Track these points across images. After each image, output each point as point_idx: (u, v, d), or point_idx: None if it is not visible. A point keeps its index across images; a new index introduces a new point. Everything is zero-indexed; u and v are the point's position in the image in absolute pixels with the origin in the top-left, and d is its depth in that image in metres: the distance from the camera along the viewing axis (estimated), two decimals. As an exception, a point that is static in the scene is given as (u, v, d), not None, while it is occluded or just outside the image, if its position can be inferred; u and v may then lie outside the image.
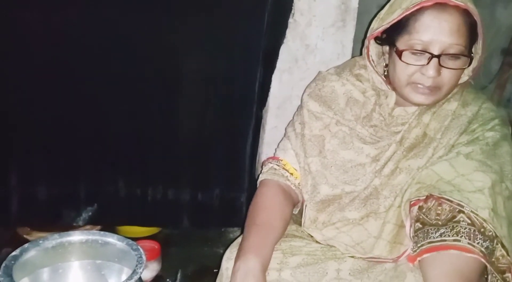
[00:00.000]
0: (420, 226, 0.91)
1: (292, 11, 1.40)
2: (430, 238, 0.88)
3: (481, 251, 0.84)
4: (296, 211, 1.14)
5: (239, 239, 1.04)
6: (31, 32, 1.34)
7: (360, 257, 0.98)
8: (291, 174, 1.10)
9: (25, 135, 1.44)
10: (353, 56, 1.43)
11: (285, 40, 1.43)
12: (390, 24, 0.98)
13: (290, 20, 1.41)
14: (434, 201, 0.91)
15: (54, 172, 1.48)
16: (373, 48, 1.07)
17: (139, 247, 0.90)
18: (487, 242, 0.85)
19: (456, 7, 0.91)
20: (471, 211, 0.86)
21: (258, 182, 1.14)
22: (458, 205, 0.87)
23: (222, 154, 1.50)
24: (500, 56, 2.73)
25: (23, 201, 1.48)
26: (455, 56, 0.92)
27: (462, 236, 0.85)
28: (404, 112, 1.02)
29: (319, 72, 1.17)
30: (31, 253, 0.88)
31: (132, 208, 1.52)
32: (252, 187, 1.59)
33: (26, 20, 1.33)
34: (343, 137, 1.05)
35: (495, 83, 2.71)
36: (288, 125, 1.21)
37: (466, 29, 0.93)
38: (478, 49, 0.98)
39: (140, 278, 0.86)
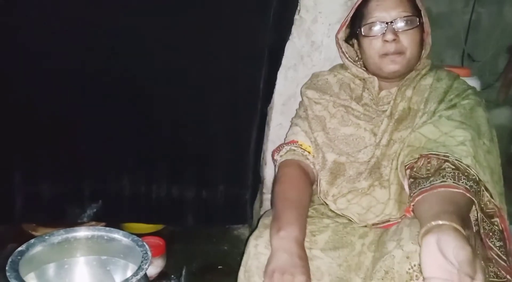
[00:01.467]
0: (413, 180, 1.01)
1: (298, 8, 1.39)
2: (420, 186, 0.96)
3: (466, 188, 0.91)
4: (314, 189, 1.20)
5: (265, 221, 1.07)
6: (33, 31, 1.34)
7: (373, 224, 1.07)
8: (309, 152, 1.18)
9: (30, 133, 1.44)
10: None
11: (290, 37, 1.43)
12: (350, 17, 1.18)
13: (296, 16, 1.40)
14: (423, 159, 1.02)
15: (58, 169, 1.48)
16: (349, 51, 1.22)
17: (144, 243, 0.91)
18: (471, 182, 0.93)
19: None
20: (456, 160, 0.96)
21: (277, 164, 1.20)
22: (444, 156, 0.98)
23: (227, 151, 1.50)
24: (506, 55, 2.72)
25: (28, 199, 1.49)
26: (405, 20, 1.09)
27: (447, 178, 0.94)
28: (388, 93, 1.16)
29: (313, 74, 1.29)
30: (37, 249, 0.89)
31: (136, 205, 1.52)
32: (256, 184, 1.59)
33: (29, 19, 1.33)
34: (341, 116, 1.17)
35: (501, 81, 2.70)
36: (292, 118, 1.28)
37: (408, 1, 1.11)
38: (425, 21, 1.14)
39: (145, 274, 0.86)
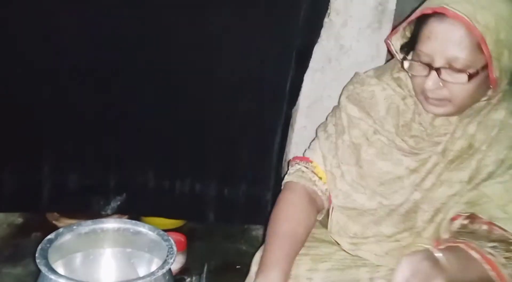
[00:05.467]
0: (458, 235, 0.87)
1: (328, 11, 1.39)
2: (481, 244, 0.82)
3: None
4: (320, 217, 1.07)
5: (257, 258, 1.02)
6: (60, 27, 1.36)
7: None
8: (320, 178, 1.04)
9: (58, 125, 1.46)
10: (387, 59, 1.41)
11: (319, 40, 1.42)
12: (403, 27, 0.96)
13: (326, 19, 1.40)
14: (482, 225, 0.86)
15: (85, 161, 1.50)
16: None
17: (170, 238, 0.92)
18: None
19: (456, 17, 0.82)
20: None
21: (283, 182, 1.09)
22: None
23: (251, 151, 1.50)
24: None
25: (54, 189, 1.51)
26: (455, 72, 0.86)
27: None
28: (447, 122, 0.95)
29: (357, 74, 1.10)
30: (65, 238, 0.91)
31: (159, 200, 1.53)
32: (278, 185, 1.58)
33: (53, 15, 1.35)
34: (381, 147, 0.98)
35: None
36: (319, 126, 1.14)
37: (470, 41, 0.83)
38: (502, 62, 0.86)
39: (170, 269, 0.87)
